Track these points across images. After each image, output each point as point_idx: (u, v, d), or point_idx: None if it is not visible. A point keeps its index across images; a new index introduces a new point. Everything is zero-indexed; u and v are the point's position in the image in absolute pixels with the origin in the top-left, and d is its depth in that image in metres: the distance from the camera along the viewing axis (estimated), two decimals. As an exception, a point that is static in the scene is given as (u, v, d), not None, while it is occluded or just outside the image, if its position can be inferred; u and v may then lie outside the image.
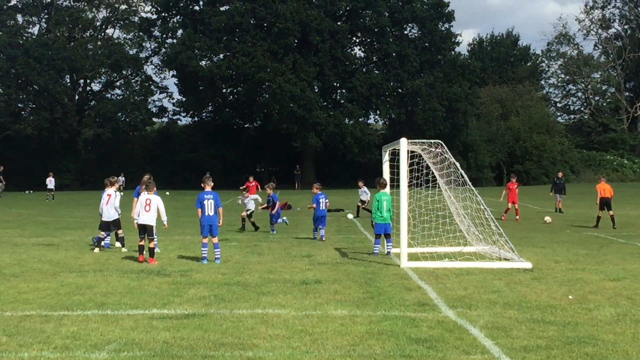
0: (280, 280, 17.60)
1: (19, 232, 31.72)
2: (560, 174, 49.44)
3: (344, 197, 61.18)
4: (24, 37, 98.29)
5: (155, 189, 22.06)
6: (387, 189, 23.44)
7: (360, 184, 40.82)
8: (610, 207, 33.80)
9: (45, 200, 64.43)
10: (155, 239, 21.65)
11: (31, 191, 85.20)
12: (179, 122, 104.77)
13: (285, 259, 21.68)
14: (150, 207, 21.53)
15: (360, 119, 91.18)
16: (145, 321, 12.83)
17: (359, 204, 40.59)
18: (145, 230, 21.49)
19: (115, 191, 24.84)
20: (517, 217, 37.90)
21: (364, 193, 40.24)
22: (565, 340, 11.46)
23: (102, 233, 24.41)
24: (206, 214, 21.29)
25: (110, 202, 24.31)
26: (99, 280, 17.67)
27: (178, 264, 20.83)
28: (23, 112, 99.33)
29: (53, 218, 40.87)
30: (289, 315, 13.29)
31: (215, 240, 21.49)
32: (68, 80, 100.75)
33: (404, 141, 20.81)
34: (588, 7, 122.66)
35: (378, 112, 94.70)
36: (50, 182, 68.67)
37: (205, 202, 21.32)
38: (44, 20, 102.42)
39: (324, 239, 27.33)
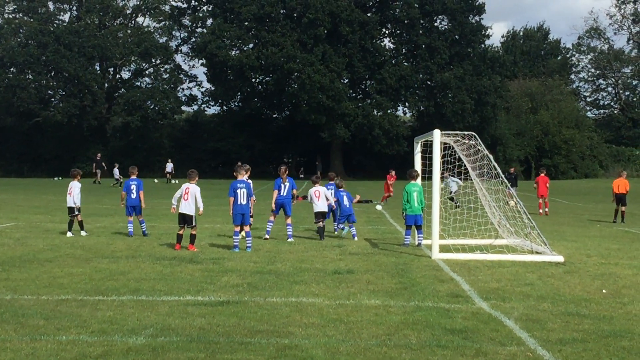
0: (312, 269, 17.62)
1: (49, 218, 31.91)
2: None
3: (372, 189, 61.16)
4: (55, 25, 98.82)
5: (196, 178, 22.04)
6: (419, 180, 23.39)
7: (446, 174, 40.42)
8: (624, 203, 33.60)
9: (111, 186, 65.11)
10: (196, 227, 21.63)
11: (60, 178, 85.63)
12: (207, 111, 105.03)
13: (317, 249, 21.69)
14: (188, 195, 21.59)
15: (388, 111, 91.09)
16: (180, 307, 12.88)
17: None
18: (184, 220, 21.54)
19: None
20: (546, 209, 37.72)
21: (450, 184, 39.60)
22: (601, 333, 11.41)
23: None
24: (239, 202, 21.33)
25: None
26: (131, 267, 17.76)
27: (209, 251, 20.88)
28: (53, 99, 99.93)
29: (83, 205, 40.98)
30: (323, 304, 13.30)
31: (247, 229, 21.57)
32: (98, 68, 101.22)
33: (437, 133, 20.76)
34: (620, 1, 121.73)
35: (407, 104, 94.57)
36: (116, 173, 69.93)
37: (239, 191, 21.35)
38: (74, 7, 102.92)
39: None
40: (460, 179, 36.51)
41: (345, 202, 25.35)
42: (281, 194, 24.09)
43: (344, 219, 25.31)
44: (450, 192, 38.57)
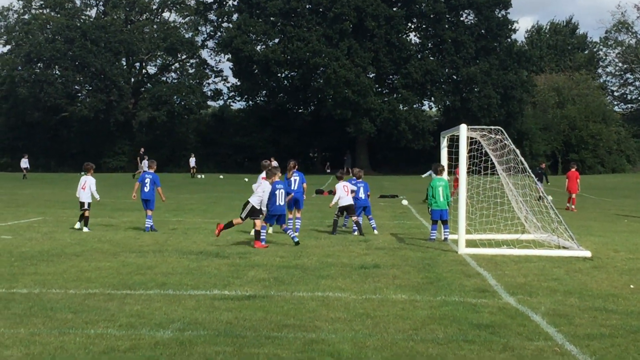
0: (338, 264, 17.64)
1: (77, 213, 31.95)
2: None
3: (397, 184, 61.13)
4: (82, 20, 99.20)
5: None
6: (445, 175, 23.36)
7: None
8: None
9: None
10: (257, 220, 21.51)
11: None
12: (232, 106, 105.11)
13: (343, 244, 21.71)
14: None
15: (414, 105, 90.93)
16: (207, 301, 12.93)
17: None
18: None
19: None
20: (572, 206, 37.48)
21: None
22: (630, 329, 11.36)
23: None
24: (277, 204, 21.44)
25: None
26: (158, 261, 17.84)
27: (236, 246, 20.96)
28: (79, 94, 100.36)
29: (110, 199, 41.24)
30: (350, 299, 13.32)
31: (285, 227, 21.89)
32: (124, 63, 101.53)
33: (463, 127, 20.71)
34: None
35: (433, 98, 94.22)
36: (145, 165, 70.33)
37: (277, 192, 21.43)
38: (101, 3, 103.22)
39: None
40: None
41: (361, 193, 25.19)
42: (292, 188, 24.29)
43: (360, 211, 25.18)
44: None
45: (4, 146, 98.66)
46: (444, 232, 22.75)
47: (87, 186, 25.30)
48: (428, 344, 10.25)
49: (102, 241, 21.70)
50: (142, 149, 77.57)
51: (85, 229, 24.94)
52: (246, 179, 71.91)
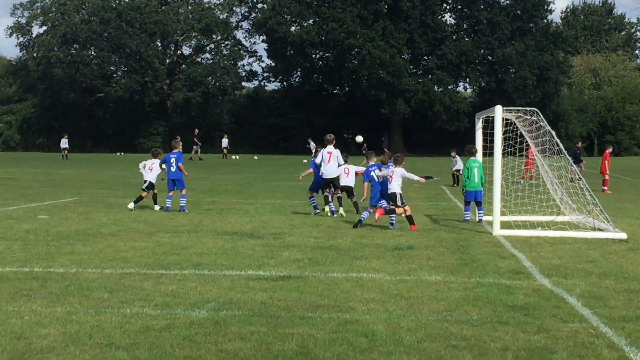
0: (372, 245, 17.65)
1: (112, 193, 32.33)
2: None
3: (432, 165, 61.02)
4: (117, 1, 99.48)
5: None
6: (479, 157, 23.28)
7: (453, 153, 40.41)
8: None
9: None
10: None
11: (122, 153, 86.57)
12: (267, 87, 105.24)
13: (377, 225, 21.69)
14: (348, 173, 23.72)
15: (449, 87, 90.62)
16: (242, 282, 12.98)
17: (454, 172, 39.91)
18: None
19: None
20: (605, 187, 37.08)
21: (456, 162, 39.56)
22: (665, 311, 11.29)
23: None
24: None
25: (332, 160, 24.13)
26: (193, 241, 17.93)
27: (270, 226, 20.99)
28: (115, 75, 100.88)
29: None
30: (384, 280, 13.32)
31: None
32: (159, 44, 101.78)
33: (498, 109, 20.62)
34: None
35: (468, 79, 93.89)
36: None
37: (373, 173, 21.70)
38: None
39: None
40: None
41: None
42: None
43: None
44: (458, 171, 38.44)
45: (40, 127, 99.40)
46: (478, 213, 22.68)
47: (154, 167, 25.53)
48: (462, 325, 10.24)
49: (137, 221, 21.84)
50: (197, 131, 77.83)
51: (156, 207, 25.69)
52: (256, 157, 72.08)
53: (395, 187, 20.99)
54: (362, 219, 21.25)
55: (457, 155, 39.78)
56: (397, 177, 20.93)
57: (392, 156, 23.06)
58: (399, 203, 20.93)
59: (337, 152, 24.03)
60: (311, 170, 24.76)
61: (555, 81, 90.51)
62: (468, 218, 22.73)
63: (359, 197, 23.53)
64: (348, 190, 24.15)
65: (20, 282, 12.70)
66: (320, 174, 23.85)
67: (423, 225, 21.74)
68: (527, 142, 22.89)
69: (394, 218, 21.30)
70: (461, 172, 38.18)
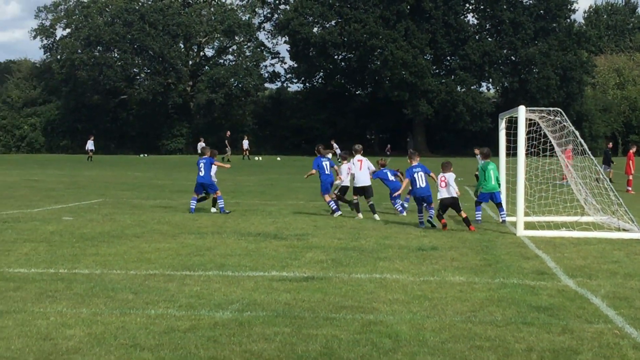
0: (396, 246, 17.64)
1: (136, 195, 32.45)
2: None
3: (456, 166, 60.71)
4: (140, 3, 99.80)
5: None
6: (502, 157, 23.30)
7: (477, 151, 40.32)
8: None
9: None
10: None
11: (146, 155, 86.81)
12: (289, 88, 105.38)
13: (400, 226, 21.70)
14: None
15: (472, 87, 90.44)
16: (266, 283, 13.01)
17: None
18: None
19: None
20: (628, 187, 36.84)
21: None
22: (691, 312, 11.24)
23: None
24: (418, 186, 21.82)
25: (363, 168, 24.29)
26: (217, 242, 17.97)
27: (293, 228, 21.02)
28: (138, 77, 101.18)
29: (168, 181, 41.67)
30: (407, 281, 13.32)
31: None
32: (182, 46, 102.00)
33: (522, 109, 20.57)
34: None
35: (490, 80, 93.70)
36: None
37: (416, 175, 21.87)
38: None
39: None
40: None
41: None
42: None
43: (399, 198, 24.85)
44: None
45: (64, 129, 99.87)
46: (501, 214, 22.64)
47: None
48: (486, 326, 10.23)
49: (161, 222, 21.91)
50: (229, 133, 78.02)
51: (212, 210, 25.65)
52: (278, 158, 72.10)
53: (451, 192, 20.97)
54: (430, 218, 21.76)
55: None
56: (451, 182, 20.96)
57: (441, 163, 22.33)
58: (460, 208, 21.10)
59: (367, 160, 24.26)
60: (314, 171, 24.88)
61: (578, 81, 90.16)
62: (480, 218, 22.76)
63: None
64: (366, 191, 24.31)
65: (45, 284, 12.78)
66: (355, 182, 24.14)
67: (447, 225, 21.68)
68: (560, 143, 22.78)
69: (422, 217, 21.69)
70: None
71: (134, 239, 18.49)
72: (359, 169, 23.98)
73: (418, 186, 21.60)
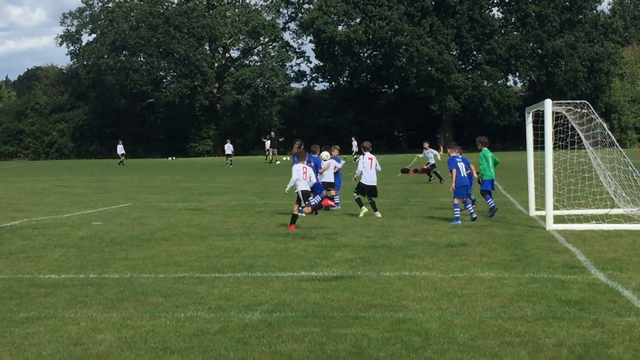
0: (425, 243, 17.59)
1: (165, 198, 32.56)
2: None
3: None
4: (165, 7, 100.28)
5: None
6: (532, 152, 23.29)
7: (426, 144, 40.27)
8: None
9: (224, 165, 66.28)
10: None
11: (174, 158, 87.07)
12: (315, 87, 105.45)
13: (428, 222, 21.63)
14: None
15: (499, 81, 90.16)
16: (295, 283, 13.00)
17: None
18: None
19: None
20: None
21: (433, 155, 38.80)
22: None
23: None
24: (462, 175, 21.94)
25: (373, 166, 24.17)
26: (246, 244, 17.99)
27: (322, 227, 21.01)
28: (164, 80, 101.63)
29: (197, 184, 41.77)
30: (436, 278, 13.27)
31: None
32: (207, 48, 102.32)
33: (548, 102, 20.47)
34: None
35: (517, 73, 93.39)
36: (228, 149, 70.05)
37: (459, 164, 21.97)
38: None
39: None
40: (438, 153, 36.29)
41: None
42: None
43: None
44: (428, 164, 38.18)
45: (93, 134, 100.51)
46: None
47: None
48: (516, 321, 10.17)
49: (190, 225, 21.97)
50: (273, 133, 77.47)
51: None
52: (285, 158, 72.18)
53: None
54: (492, 206, 22.69)
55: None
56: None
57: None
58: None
59: (376, 159, 24.24)
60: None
61: (606, 73, 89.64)
62: (493, 204, 22.89)
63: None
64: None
65: (76, 289, 12.84)
66: (362, 180, 23.89)
67: (475, 221, 21.61)
68: (578, 135, 22.64)
69: (472, 209, 21.95)
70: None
71: (163, 242, 18.55)
72: (369, 167, 23.86)
73: (462, 175, 21.66)
